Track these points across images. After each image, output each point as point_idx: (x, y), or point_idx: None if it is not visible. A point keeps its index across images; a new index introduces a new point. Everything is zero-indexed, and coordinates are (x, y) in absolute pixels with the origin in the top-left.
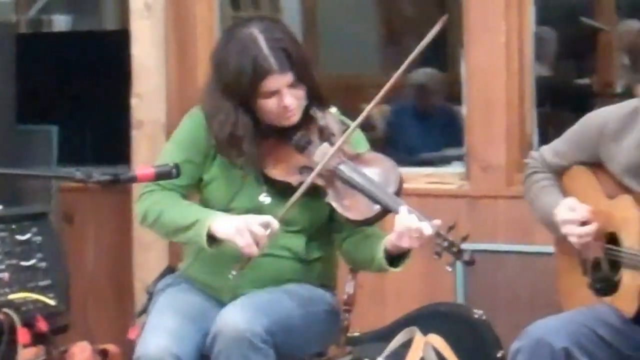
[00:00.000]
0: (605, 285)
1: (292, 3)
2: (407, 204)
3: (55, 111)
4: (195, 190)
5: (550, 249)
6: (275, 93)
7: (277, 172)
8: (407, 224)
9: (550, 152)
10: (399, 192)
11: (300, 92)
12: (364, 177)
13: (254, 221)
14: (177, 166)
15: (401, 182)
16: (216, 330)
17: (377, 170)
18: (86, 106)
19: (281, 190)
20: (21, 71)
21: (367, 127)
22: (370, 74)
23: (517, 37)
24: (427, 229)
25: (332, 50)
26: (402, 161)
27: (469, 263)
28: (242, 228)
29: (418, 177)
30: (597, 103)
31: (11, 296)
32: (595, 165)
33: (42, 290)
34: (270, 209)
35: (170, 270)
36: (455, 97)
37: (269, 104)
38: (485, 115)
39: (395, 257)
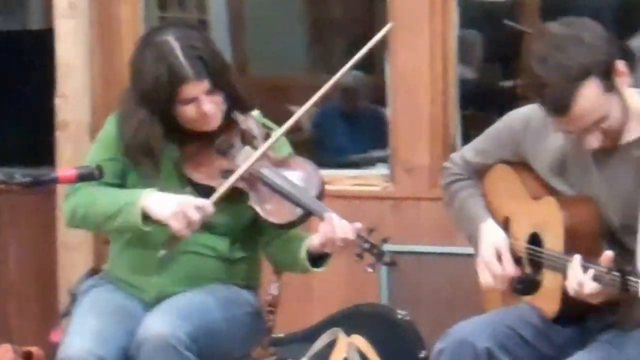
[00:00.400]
0: (527, 286)
1: (219, 4)
2: (331, 206)
3: None
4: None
5: (472, 250)
6: (193, 100)
7: (199, 176)
8: (331, 231)
9: (471, 151)
10: (321, 196)
11: (219, 98)
12: (286, 180)
13: (189, 205)
14: (99, 167)
15: (323, 185)
16: (140, 338)
17: (299, 174)
18: (10, 106)
19: (204, 195)
20: None
21: (293, 128)
22: (298, 75)
23: (441, 40)
24: (350, 234)
25: (260, 52)
26: (328, 163)
27: (390, 264)
28: (178, 211)
29: (343, 179)
30: (521, 105)
31: None
32: (520, 164)
33: None
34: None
35: (94, 271)
36: (380, 99)
37: (188, 111)
38: (410, 118)
39: (318, 258)
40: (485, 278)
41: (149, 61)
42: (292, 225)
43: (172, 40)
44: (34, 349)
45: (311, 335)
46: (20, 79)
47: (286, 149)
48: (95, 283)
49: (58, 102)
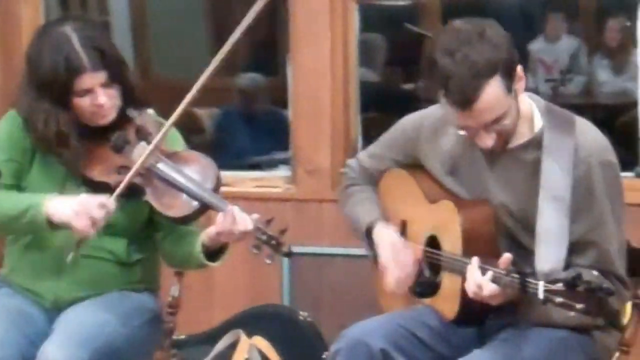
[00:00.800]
0: (426, 288)
1: (121, 5)
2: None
3: None
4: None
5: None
6: (89, 91)
7: (95, 173)
8: (229, 222)
9: (366, 155)
10: (217, 189)
11: (114, 92)
12: (182, 174)
13: (91, 203)
14: None
15: (219, 178)
16: None
17: (195, 168)
18: None
19: (101, 192)
20: None
21: (195, 130)
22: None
23: (342, 43)
24: (248, 224)
25: (163, 53)
26: (231, 165)
27: (288, 255)
28: (80, 211)
29: (245, 180)
30: (423, 108)
31: None
32: (415, 167)
33: None
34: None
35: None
36: (283, 101)
37: (84, 103)
38: (311, 120)
39: (214, 252)
40: (388, 282)
41: (46, 52)
42: (189, 218)
43: (69, 31)
44: None
45: (213, 336)
46: None
47: (181, 144)
48: None
49: None
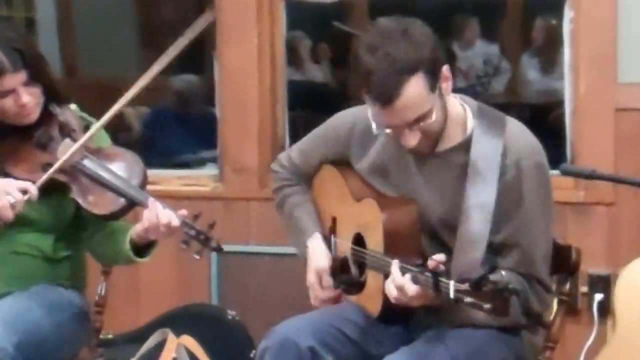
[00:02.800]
0: (352, 286)
1: (46, 2)
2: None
3: None
4: None
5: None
6: (11, 92)
7: (19, 172)
8: (155, 218)
9: (296, 151)
10: (143, 185)
11: (36, 90)
12: (107, 171)
13: (12, 185)
14: None
15: (145, 174)
16: None
17: (121, 164)
18: None
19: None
20: None
21: (122, 127)
22: (127, 76)
23: (269, 41)
24: (174, 220)
25: (89, 52)
26: (158, 163)
27: (217, 249)
28: (0, 191)
29: (173, 179)
30: (350, 106)
31: None
32: (344, 165)
33: None
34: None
35: None
36: (212, 99)
37: (6, 103)
38: (238, 118)
39: (142, 248)
40: (312, 300)
41: None
42: (115, 215)
43: None
44: None
45: (140, 335)
46: None
47: (106, 140)
48: None
49: None
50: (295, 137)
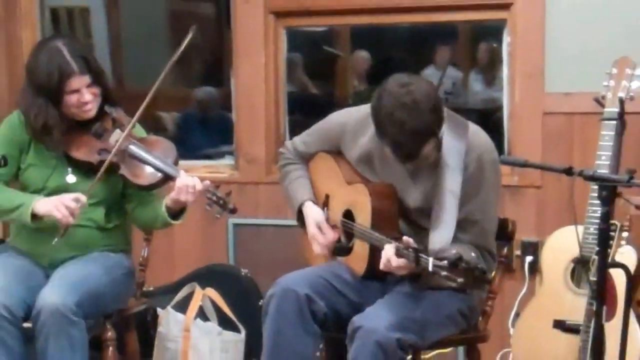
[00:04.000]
0: (341, 250)
1: (100, 30)
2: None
3: None
4: (14, 178)
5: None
6: (76, 91)
7: (80, 154)
8: (185, 182)
9: (300, 141)
10: (176, 162)
11: (96, 91)
12: (148, 152)
13: (68, 198)
14: (4, 157)
15: (176, 155)
16: (38, 307)
17: (158, 148)
18: None
19: (84, 170)
20: None
21: (160, 128)
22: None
23: (274, 61)
24: (199, 184)
25: (133, 68)
26: (187, 155)
27: (233, 211)
28: (59, 204)
29: (199, 167)
30: (333, 110)
31: None
32: (336, 153)
33: None
34: (75, 187)
35: (0, 242)
36: (228, 107)
37: (72, 100)
38: (249, 120)
39: (175, 213)
40: (316, 249)
41: (43, 61)
42: (155, 186)
43: (60, 45)
44: None
45: (174, 288)
46: None
47: (144, 134)
48: (1, 251)
49: None
50: (293, 134)
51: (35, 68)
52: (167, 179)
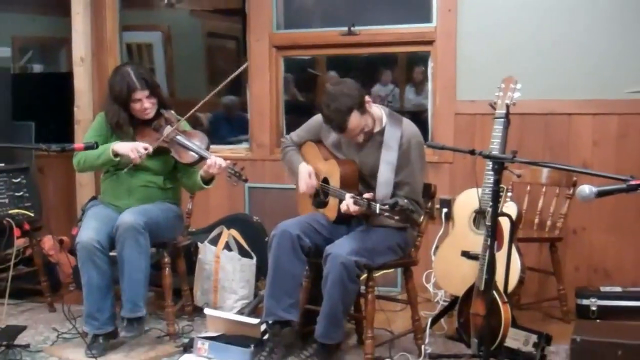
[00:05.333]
0: (320, 203)
1: (159, 58)
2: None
3: (33, 114)
4: None
5: (293, 186)
6: (139, 100)
7: (143, 141)
8: (213, 161)
9: (295, 135)
10: (208, 148)
11: (154, 100)
12: (189, 141)
13: (140, 145)
14: (96, 142)
15: (209, 143)
16: (118, 224)
17: (196, 138)
18: (49, 111)
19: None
20: (15, 93)
21: (198, 124)
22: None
23: (275, 78)
24: (223, 162)
25: (181, 84)
26: (217, 142)
27: (245, 181)
28: (133, 147)
29: (225, 150)
30: (315, 114)
31: (10, 211)
32: (319, 141)
33: (27, 208)
34: (142, 163)
35: (94, 198)
36: (245, 109)
37: (137, 106)
38: (259, 119)
39: (207, 181)
40: (302, 187)
41: (117, 80)
42: (194, 164)
43: (129, 69)
44: (64, 238)
45: (209, 229)
46: (54, 97)
47: (188, 127)
48: (93, 203)
49: (75, 110)
50: (288, 128)
51: (112, 84)
52: (202, 159)
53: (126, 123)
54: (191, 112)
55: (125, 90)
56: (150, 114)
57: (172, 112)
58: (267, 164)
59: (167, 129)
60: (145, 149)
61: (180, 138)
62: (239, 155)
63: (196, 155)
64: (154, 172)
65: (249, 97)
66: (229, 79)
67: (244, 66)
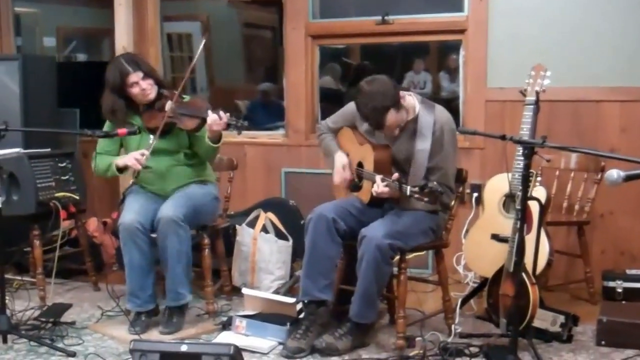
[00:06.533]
0: (355, 187)
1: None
2: (258, 151)
3: (77, 101)
4: (120, 147)
5: (328, 171)
6: (135, 83)
7: (151, 124)
8: (212, 118)
9: (330, 121)
10: (207, 110)
11: (150, 81)
12: (187, 109)
13: (136, 153)
14: (139, 128)
15: (208, 104)
16: (159, 217)
17: (194, 104)
18: (93, 99)
19: (156, 133)
20: (60, 81)
21: (237, 111)
22: (238, 84)
23: (311, 67)
24: (224, 116)
25: (219, 72)
26: (255, 128)
27: (243, 129)
28: (130, 157)
29: (263, 136)
30: (348, 102)
31: (57, 194)
32: (353, 127)
33: (72, 191)
34: (155, 144)
35: (134, 183)
36: (281, 96)
37: (135, 90)
38: (295, 106)
39: (215, 140)
40: (337, 179)
41: (111, 69)
42: (199, 127)
43: (120, 58)
44: (107, 220)
45: (247, 212)
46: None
47: (187, 97)
48: (134, 188)
49: None
50: (323, 115)
51: (107, 75)
52: (203, 120)
53: (121, 109)
54: (179, 91)
55: (119, 76)
56: (151, 94)
57: (171, 90)
58: (303, 150)
59: (169, 105)
60: (142, 154)
61: (181, 109)
62: (276, 140)
63: (198, 120)
64: (174, 150)
65: (285, 85)
66: (196, 57)
67: (203, 43)
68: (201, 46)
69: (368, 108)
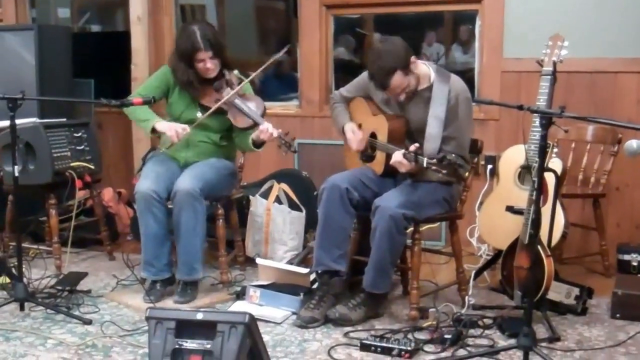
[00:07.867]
0: (368, 157)
1: (212, 20)
2: (272, 120)
3: (92, 72)
4: (161, 102)
5: (341, 142)
6: (202, 60)
7: (204, 100)
8: (265, 128)
9: (344, 90)
10: (263, 115)
11: (216, 61)
12: (246, 106)
13: (178, 127)
14: (154, 97)
15: (264, 109)
16: (175, 190)
17: (253, 103)
18: (107, 69)
19: (206, 110)
20: (75, 52)
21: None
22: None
23: (325, 37)
24: (275, 131)
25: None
26: (269, 99)
27: (295, 152)
28: (172, 127)
29: (277, 107)
30: (360, 73)
31: (72, 164)
32: (366, 97)
33: (87, 161)
34: (201, 120)
35: (152, 149)
36: (295, 67)
37: (200, 66)
38: (309, 77)
39: (257, 145)
40: (354, 146)
41: (183, 38)
42: (248, 128)
43: (195, 29)
44: (122, 190)
45: (260, 183)
46: (112, 55)
47: (249, 90)
48: (152, 155)
49: (132, 67)
50: (336, 86)
51: (178, 43)
52: (255, 124)
53: (196, 80)
54: (247, 80)
55: (190, 49)
56: (213, 74)
57: (236, 72)
58: (316, 121)
59: (227, 92)
60: (184, 129)
61: (237, 102)
62: (289, 111)
63: (250, 121)
64: (212, 130)
65: (299, 55)
66: (272, 59)
67: (286, 48)
68: (282, 52)
69: (375, 66)
